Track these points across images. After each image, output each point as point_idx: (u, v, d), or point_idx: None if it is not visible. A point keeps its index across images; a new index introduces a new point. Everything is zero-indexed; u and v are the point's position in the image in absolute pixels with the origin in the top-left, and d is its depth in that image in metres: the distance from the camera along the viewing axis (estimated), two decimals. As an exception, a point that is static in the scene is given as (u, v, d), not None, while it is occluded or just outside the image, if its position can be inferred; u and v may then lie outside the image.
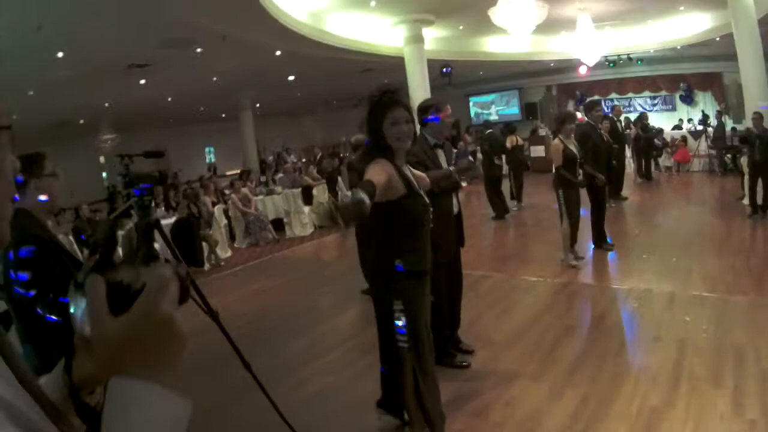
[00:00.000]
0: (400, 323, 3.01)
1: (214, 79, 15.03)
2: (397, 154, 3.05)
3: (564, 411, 3.65)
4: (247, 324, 6.09)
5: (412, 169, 3.21)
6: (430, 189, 3.36)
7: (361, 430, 3.71)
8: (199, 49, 11.51)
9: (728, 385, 3.77)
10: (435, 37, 15.92)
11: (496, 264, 7.50)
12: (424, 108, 4.38)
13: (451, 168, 3.63)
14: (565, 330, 5.09)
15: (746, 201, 10.11)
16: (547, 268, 7.02)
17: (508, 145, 11.77)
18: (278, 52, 13.22)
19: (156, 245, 2.82)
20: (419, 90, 14.52)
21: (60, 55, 9.63)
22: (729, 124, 16.20)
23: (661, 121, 18.74)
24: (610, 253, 7.54)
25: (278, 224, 12.03)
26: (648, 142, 14.51)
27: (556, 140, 6.94)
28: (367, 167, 2.97)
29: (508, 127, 12.70)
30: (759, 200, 9.36)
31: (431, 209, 3.14)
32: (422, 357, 3.09)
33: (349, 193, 9.56)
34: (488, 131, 11.80)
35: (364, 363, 4.68)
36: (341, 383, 4.44)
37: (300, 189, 12.35)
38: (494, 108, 24.35)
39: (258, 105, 20.74)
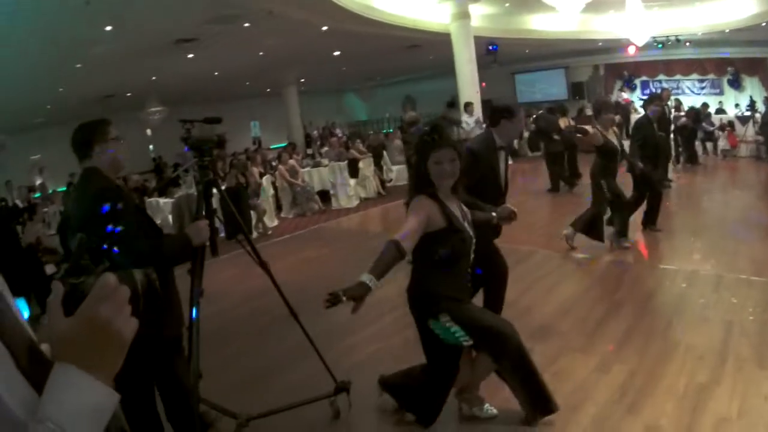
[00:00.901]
0: (454, 329, 3.10)
1: (261, 54, 15.19)
2: (441, 189, 3.14)
3: (612, 384, 3.75)
4: (295, 292, 6.15)
5: (461, 204, 3.27)
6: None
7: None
8: (246, 24, 11.65)
9: (774, 367, 3.83)
10: (481, 14, 15.83)
11: (545, 240, 7.56)
12: (498, 110, 4.40)
13: (494, 214, 3.70)
14: (613, 306, 5.17)
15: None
16: (594, 245, 7.04)
17: (562, 126, 11.72)
18: (324, 28, 13.30)
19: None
20: (466, 67, 14.51)
21: (108, 29, 9.82)
22: (778, 110, 15.81)
23: (710, 104, 18.38)
24: (657, 235, 7.53)
25: (324, 196, 12.28)
26: (695, 129, 14.24)
27: (594, 130, 6.78)
28: (411, 204, 3.11)
29: (560, 107, 12.66)
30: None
31: (474, 241, 3.23)
32: (497, 341, 3.16)
33: (394, 167, 9.69)
34: (540, 111, 11.80)
35: (414, 331, 4.81)
36: (391, 350, 4.57)
37: (346, 162, 12.51)
38: (538, 86, 24.09)
39: (303, 80, 20.88)
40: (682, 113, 14.95)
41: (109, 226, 2.39)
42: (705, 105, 16.00)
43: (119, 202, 2.50)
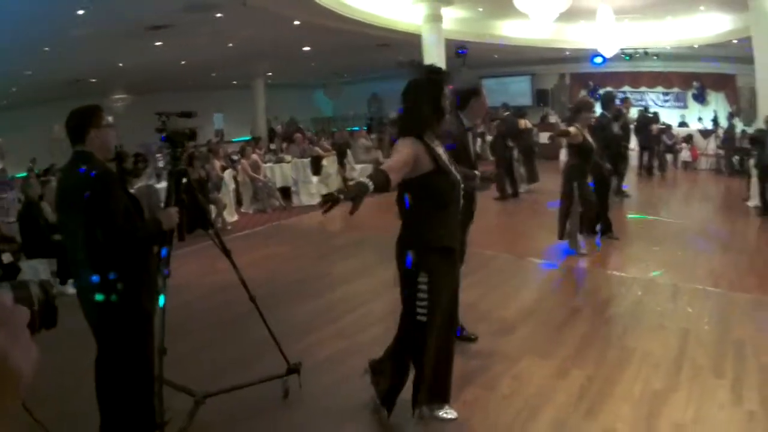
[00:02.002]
0: (422, 296, 3.05)
1: (230, 45, 14.98)
2: (430, 130, 3.13)
3: (570, 389, 3.77)
4: (257, 287, 6.11)
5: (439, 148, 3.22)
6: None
7: (372, 392, 3.79)
8: (219, 14, 11.48)
9: (728, 377, 3.90)
10: (453, 18, 15.86)
11: (505, 244, 7.59)
12: (467, 92, 4.41)
13: (477, 172, 3.70)
14: (572, 312, 5.21)
15: (751, 203, 10.22)
16: (553, 251, 7.11)
17: (520, 127, 11.85)
18: (297, 22, 13.17)
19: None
20: (435, 69, 14.47)
21: (80, 12, 9.58)
22: (739, 126, 16.21)
23: (672, 117, 18.72)
24: (615, 243, 7.63)
25: (285, 192, 12.11)
26: (649, 136, 14.43)
27: (573, 128, 6.86)
28: (397, 143, 3.09)
29: (519, 110, 12.79)
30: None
31: (461, 186, 3.21)
32: (436, 333, 3.14)
33: (357, 166, 9.67)
34: (506, 113, 11.87)
35: (378, 329, 4.80)
36: (354, 348, 4.52)
37: (309, 159, 12.40)
38: (504, 91, 24.18)
39: (270, 74, 20.68)
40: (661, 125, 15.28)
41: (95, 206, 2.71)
42: (656, 115, 16.25)
43: (113, 187, 2.80)
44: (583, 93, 22.34)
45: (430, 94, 3.10)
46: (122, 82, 17.96)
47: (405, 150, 2.99)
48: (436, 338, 3.13)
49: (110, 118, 3.02)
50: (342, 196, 2.58)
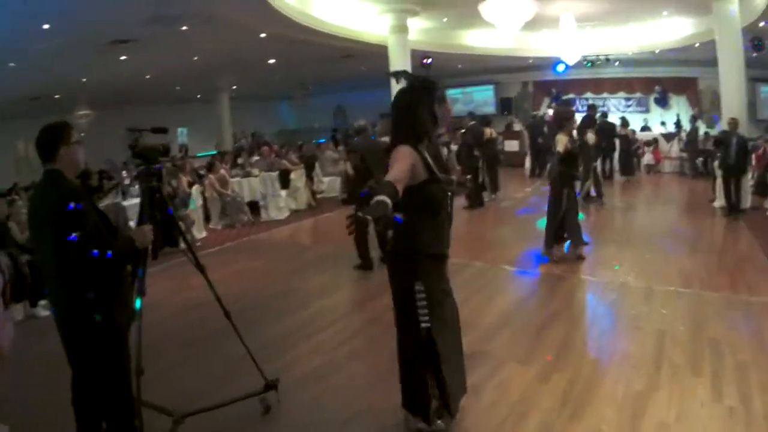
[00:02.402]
0: (421, 303, 3.06)
1: (195, 58, 14.88)
2: (423, 139, 3.15)
3: (553, 393, 3.78)
4: (230, 304, 5.99)
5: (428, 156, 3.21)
6: None
7: (354, 408, 3.77)
8: (184, 27, 11.39)
9: (707, 374, 3.95)
10: (418, 28, 15.99)
11: (477, 252, 7.61)
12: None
13: (453, 177, 3.71)
14: (549, 317, 5.23)
15: (717, 203, 10.43)
16: (525, 258, 7.16)
17: (486, 136, 11.90)
18: (263, 35, 13.14)
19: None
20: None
21: (46, 26, 9.44)
22: (702, 128, 16.57)
23: (635, 122, 19.02)
24: (586, 248, 7.71)
25: (254, 207, 11.97)
26: (609, 143, 14.64)
27: (561, 135, 7.05)
28: (393, 152, 3.07)
29: (484, 119, 12.88)
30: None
31: (450, 195, 3.25)
32: (442, 339, 3.13)
33: (325, 179, 9.66)
34: (471, 123, 11.92)
35: (356, 343, 4.79)
36: (334, 363, 4.49)
37: (277, 173, 12.31)
38: (468, 100, 24.39)
39: (234, 87, 20.56)
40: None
41: (70, 228, 2.68)
42: (624, 120, 16.51)
43: (81, 203, 2.75)
44: (546, 100, 22.69)
45: (426, 103, 3.14)
46: (86, 98, 17.66)
47: (406, 159, 2.98)
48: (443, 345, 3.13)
49: (79, 135, 3.00)
50: (368, 217, 2.45)
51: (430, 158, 3.16)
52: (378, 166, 5.92)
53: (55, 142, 2.88)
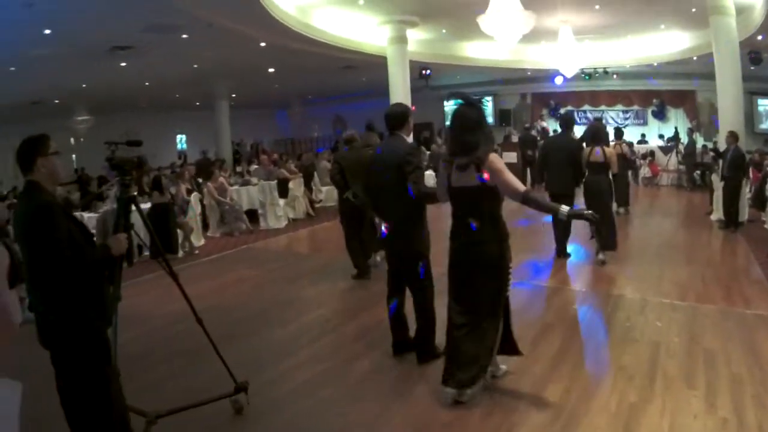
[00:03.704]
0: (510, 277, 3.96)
1: (195, 66, 14.94)
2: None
3: (547, 404, 3.79)
4: (228, 313, 6.08)
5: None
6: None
7: (351, 416, 3.78)
8: (184, 36, 11.45)
9: (701, 386, 3.96)
10: (417, 39, 16.10)
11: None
12: (402, 112, 4.70)
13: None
14: (543, 329, 5.25)
15: (714, 216, 10.46)
16: (521, 270, 7.15)
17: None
18: (263, 44, 13.21)
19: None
20: (400, 90, 14.69)
21: (47, 32, 9.51)
22: (700, 141, 16.64)
23: (632, 134, 19.12)
24: (574, 260, 7.79)
25: (252, 215, 12.00)
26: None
27: (608, 149, 7.88)
28: (496, 162, 3.72)
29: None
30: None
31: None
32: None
33: (323, 188, 9.76)
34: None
35: (353, 351, 4.79)
36: (331, 371, 4.49)
37: (276, 181, 12.34)
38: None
39: (234, 95, 20.60)
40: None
41: (42, 237, 2.77)
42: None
43: (55, 217, 2.82)
44: (544, 112, 22.77)
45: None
46: (85, 103, 17.73)
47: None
48: None
49: (56, 146, 3.07)
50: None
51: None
52: (358, 177, 6.35)
53: (33, 154, 2.95)
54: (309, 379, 4.39)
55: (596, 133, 8.06)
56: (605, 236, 7.37)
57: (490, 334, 3.85)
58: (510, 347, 4.14)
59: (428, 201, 4.37)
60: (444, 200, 4.03)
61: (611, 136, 12.92)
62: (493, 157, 3.69)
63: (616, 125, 17.08)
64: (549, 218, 8.08)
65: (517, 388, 4.06)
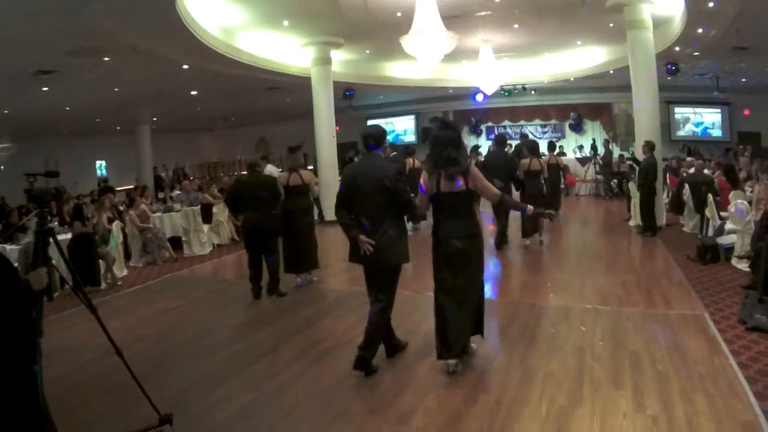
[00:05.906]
0: None
1: (116, 90, 14.53)
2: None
3: (481, 414, 3.83)
4: (154, 345, 5.83)
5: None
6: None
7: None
8: (106, 58, 11.15)
9: (628, 387, 4.10)
10: (341, 60, 16.22)
11: (403, 282, 7.56)
12: (381, 133, 5.01)
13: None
14: (471, 340, 5.27)
15: (632, 222, 10.90)
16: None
17: (409, 167, 11.95)
18: (186, 66, 12.99)
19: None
20: (324, 111, 14.74)
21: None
22: (616, 151, 17.31)
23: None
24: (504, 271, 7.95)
25: (175, 242, 11.62)
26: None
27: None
28: (477, 173, 4.60)
29: (407, 149, 13.03)
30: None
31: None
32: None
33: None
34: (393, 153, 11.98)
35: (285, 377, 4.70)
36: (263, 398, 4.38)
37: (199, 207, 12.07)
38: (390, 130, 24.70)
39: (155, 119, 20.16)
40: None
41: None
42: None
43: None
44: (465, 129, 23.27)
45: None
46: (6, 131, 17.00)
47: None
48: None
49: None
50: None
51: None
52: (254, 200, 7.29)
53: None
54: (244, 407, 4.27)
55: (533, 148, 10.08)
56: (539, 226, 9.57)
57: (474, 311, 4.77)
58: (479, 329, 4.97)
59: (418, 218, 5.08)
60: (423, 212, 4.82)
61: (545, 150, 13.89)
62: (473, 167, 4.57)
63: (549, 140, 18.12)
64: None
65: (449, 400, 4.07)
